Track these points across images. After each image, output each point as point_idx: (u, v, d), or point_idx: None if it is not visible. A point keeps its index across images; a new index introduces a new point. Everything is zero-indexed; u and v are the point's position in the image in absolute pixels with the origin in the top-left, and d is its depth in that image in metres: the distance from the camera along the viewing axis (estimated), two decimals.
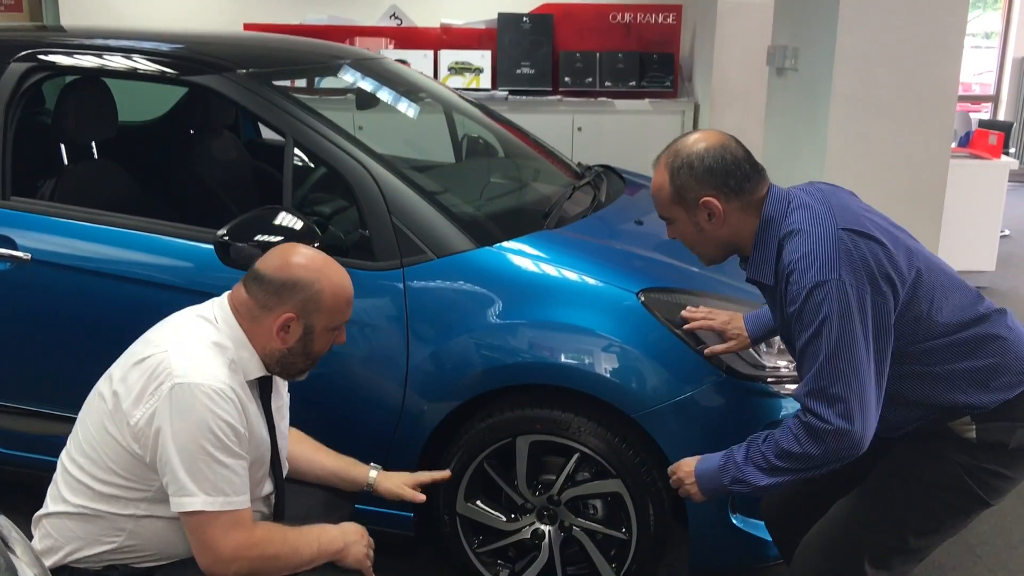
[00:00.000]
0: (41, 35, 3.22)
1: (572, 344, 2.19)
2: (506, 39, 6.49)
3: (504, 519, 2.38)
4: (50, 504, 1.78)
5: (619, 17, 6.59)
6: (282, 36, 3.79)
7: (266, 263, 1.79)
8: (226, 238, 2.21)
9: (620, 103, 6.43)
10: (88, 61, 2.69)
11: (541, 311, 2.23)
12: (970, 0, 3.81)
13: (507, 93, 6.42)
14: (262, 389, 1.83)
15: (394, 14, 6.91)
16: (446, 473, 2.22)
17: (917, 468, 1.80)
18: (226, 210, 2.92)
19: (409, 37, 6.67)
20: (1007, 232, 6.71)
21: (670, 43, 6.62)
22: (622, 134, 6.33)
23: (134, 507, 1.72)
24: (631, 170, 3.52)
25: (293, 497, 1.95)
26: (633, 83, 6.53)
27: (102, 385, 1.77)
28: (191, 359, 1.68)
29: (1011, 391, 1.74)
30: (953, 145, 5.02)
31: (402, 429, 2.32)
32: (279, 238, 2.18)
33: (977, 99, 9.73)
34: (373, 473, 2.11)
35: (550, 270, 2.32)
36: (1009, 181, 5.55)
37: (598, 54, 6.54)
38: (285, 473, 1.94)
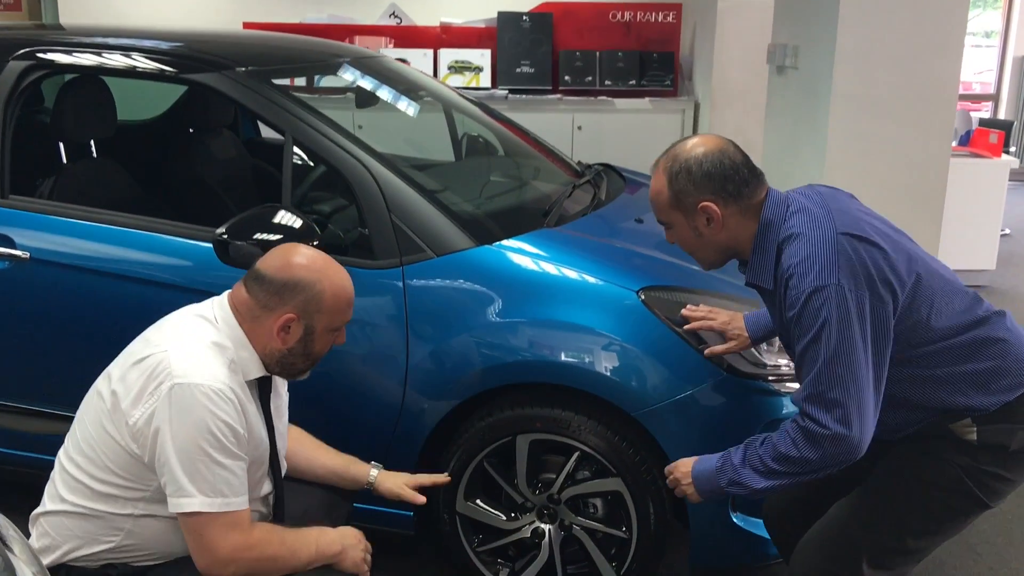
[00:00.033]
0: (40, 33, 3.21)
1: (572, 342, 2.19)
2: (506, 38, 6.48)
3: (504, 518, 2.37)
4: (48, 502, 1.77)
5: (619, 16, 6.59)
6: (281, 35, 3.78)
7: (267, 263, 1.79)
8: (225, 236, 2.21)
9: (620, 102, 6.42)
10: (87, 59, 2.68)
11: (541, 309, 2.23)
12: None
13: (507, 92, 6.41)
14: (261, 389, 1.82)
15: (393, 13, 6.91)
16: (446, 477, 2.22)
17: (917, 469, 1.80)
18: (225, 209, 2.91)
19: (409, 36, 6.66)
20: (1007, 231, 6.71)
21: (670, 42, 6.61)
22: (622, 133, 6.33)
23: (132, 506, 1.72)
24: (631, 169, 3.51)
25: (291, 496, 1.94)
26: (633, 82, 6.52)
27: (100, 384, 1.76)
28: (191, 359, 1.67)
29: (1011, 393, 1.73)
30: (953, 144, 5.01)
31: (402, 428, 2.32)
32: (278, 237, 2.18)
33: (977, 98, 9.73)
34: (374, 472, 2.10)
35: (550, 268, 2.31)
36: (1009, 180, 5.55)
37: (598, 53, 6.53)
38: (283, 472, 1.93)
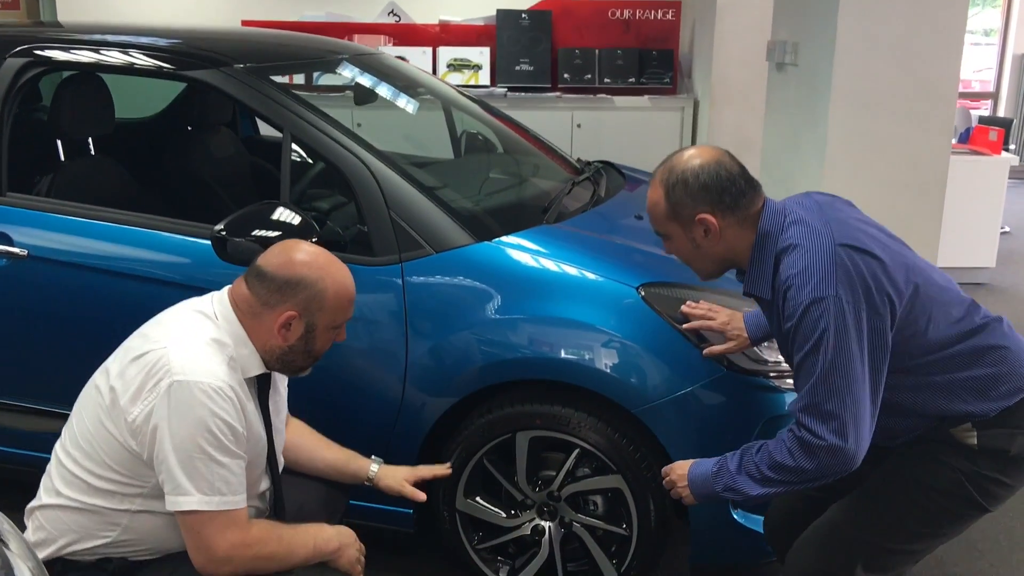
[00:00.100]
0: (37, 31, 3.20)
1: (572, 339, 2.18)
2: (505, 36, 6.47)
3: (504, 515, 2.37)
4: (44, 496, 1.77)
5: (618, 13, 6.58)
6: (280, 32, 3.77)
7: (268, 260, 1.78)
8: (223, 233, 2.20)
9: (619, 100, 6.41)
10: (85, 56, 2.67)
11: (540, 306, 2.22)
12: None
13: (506, 90, 6.40)
14: (260, 387, 1.82)
15: (392, 11, 6.90)
16: (447, 469, 2.21)
17: (916, 472, 1.80)
18: (223, 207, 2.90)
19: (407, 34, 6.65)
20: (1007, 229, 6.70)
21: (669, 39, 6.60)
22: (621, 131, 6.32)
23: (129, 502, 1.71)
24: (630, 166, 3.50)
25: (288, 490, 1.94)
26: (632, 80, 6.51)
27: (99, 378, 1.76)
28: (190, 356, 1.66)
29: (1011, 399, 1.74)
30: (953, 141, 5.00)
31: (402, 424, 2.31)
32: (276, 233, 2.17)
33: (977, 96, 9.73)
34: (374, 467, 2.10)
35: (549, 265, 2.31)
36: (1009, 178, 5.54)
37: (597, 51, 6.52)
38: (280, 469, 1.93)
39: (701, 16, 6.42)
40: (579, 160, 3.42)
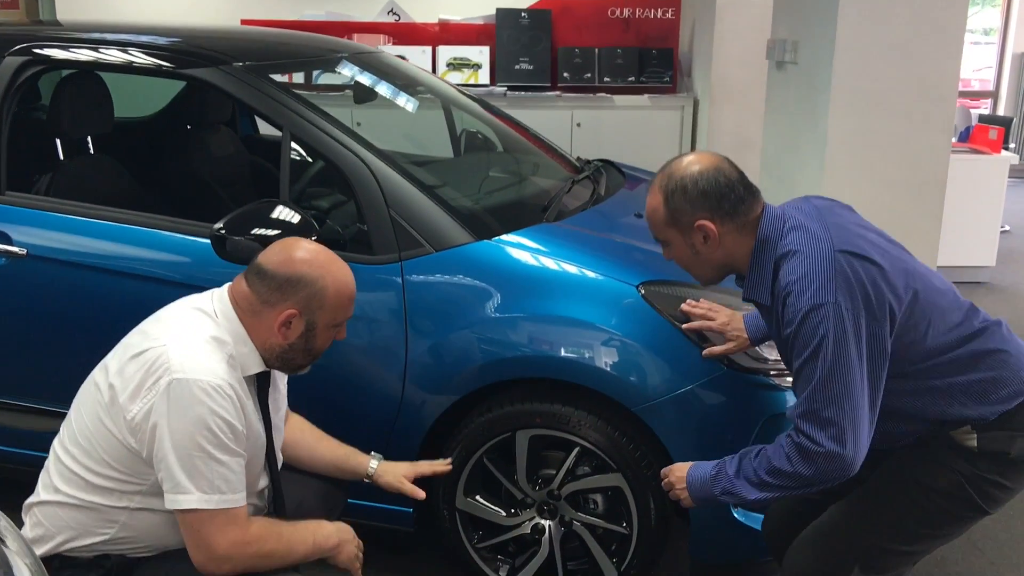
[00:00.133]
0: (36, 29, 3.20)
1: (572, 337, 2.18)
2: (504, 35, 6.47)
3: (504, 514, 2.37)
4: (42, 492, 1.76)
5: (618, 12, 6.57)
6: (279, 30, 3.77)
7: (269, 258, 1.77)
8: (223, 232, 2.20)
9: (619, 99, 6.41)
10: (83, 55, 2.66)
11: (540, 304, 2.22)
12: None
13: (505, 89, 6.40)
14: (259, 385, 1.81)
15: (392, 10, 6.89)
16: (447, 465, 2.21)
17: (916, 473, 1.80)
18: (222, 206, 2.90)
19: (407, 33, 6.65)
20: (1007, 228, 6.70)
21: (669, 38, 6.60)
22: (621, 130, 6.31)
23: (128, 500, 1.71)
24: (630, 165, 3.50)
25: (287, 487, 1.93)
26: (632, 78, 6.51)
27: (97, 375, 1.75)
28: (189, 354, 1.66)
29: (1011, 402, 1.74)
30: (953, 140, 5.00)
31: (401, 423, 2.31)
32: (276, 232, 2.17)
33: (976, 95, 9.73)
34: (373, 463, 2.09)
35: (549, 263, 2.30)
36: (1009, 176, 5.54)
37: (597, 49, 6.51)
38: (280, 466, 1.92)
39: (701, 15, 6.41)
40: (579, 159, 3.41)
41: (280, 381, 1.95)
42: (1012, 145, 8.51)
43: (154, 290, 2.37)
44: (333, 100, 3.35)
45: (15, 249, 2.48)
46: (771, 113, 4.53)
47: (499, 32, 6.47)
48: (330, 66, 3.17)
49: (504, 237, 2.34)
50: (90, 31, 2.88)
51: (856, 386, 1.65)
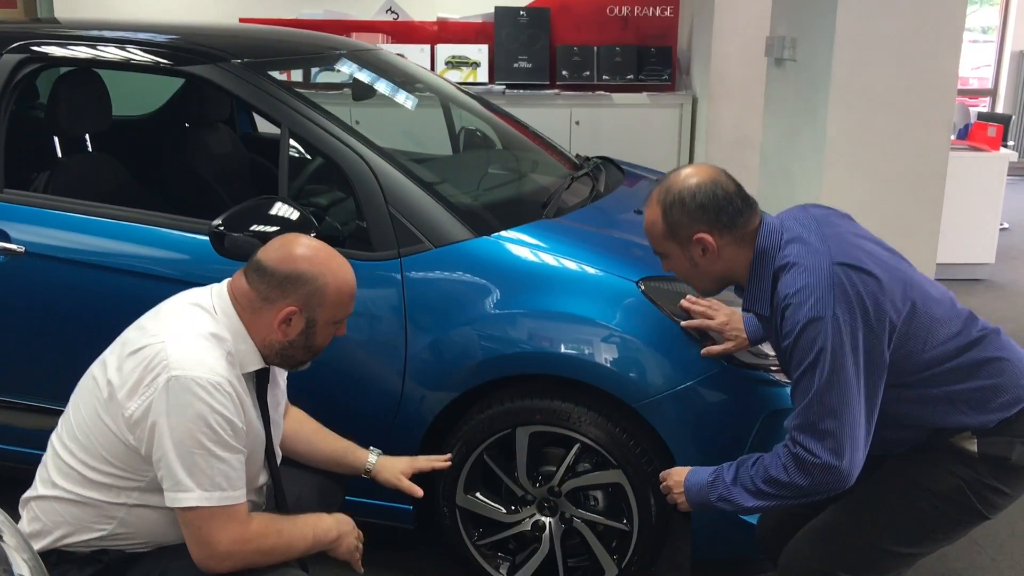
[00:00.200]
0: (34, 27, 3.19)
1: (572, 333, 2.18)
2: (503, 33, 6.47)
3: (504, 511, 2.36)
4: (39, 487, 1.75)
5: (616, 10, 6.57)
6: (278, 28, 3.77)
7: (268, 254, 1.77)
8: (221, 228, 2.19)
9: (618, 97, 6.41)
10: (81, 52, 2.66)
11: (540, 300, 2.21)
12: None
13: (504, 87, 6.39)
14: (259, 381, 1.81)
15: (390, 8, 6.88)
16: (446, 460, 2.20)
17: (916, 475, 1.80)
18: (221, 203, 2.89)
19: (405, 32, 6.64)
20: (1006, 225, 6.70)
21: (668, 36, 6.60)
22: (620, 128, 6.31)
23: (126, 496, 1.70)
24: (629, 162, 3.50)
25: (286, 481, 1.93)
26: (631, 76, 6.51)
27: (96, 370, 1.75)
28: (188, 351, 1.65)
29: (1010, 409, 1.74)
30: (952, 137, 5.00)
31: (401, 419, 2.30)
32: (275, 228, 2.16)
33: (975, 93, 9.73)
34: (372, 458, 2.09)
35: (549, 259, 2.30)
36: (1008, 174, 5.54)
37: (595, 48, 6.51)
38: (279, 462, 1.92)
39: (699, 12, 6.41)
40: (578, 156, 3.41)
41: (279, 377, 1.94)
42: (1011, 142, 8.51)
43: (152, 287, 2.36)
44: (332, 97, 3.35)
45: (13, 247, 2.48)
46: (770, 110, 4.52)
47: (498, 30, 6.46)
48: (328, 63, 3.16)
49: (503, 233, 2.33)
50: (88, 28, 2.87)
51: (853, 398, 1.65)
